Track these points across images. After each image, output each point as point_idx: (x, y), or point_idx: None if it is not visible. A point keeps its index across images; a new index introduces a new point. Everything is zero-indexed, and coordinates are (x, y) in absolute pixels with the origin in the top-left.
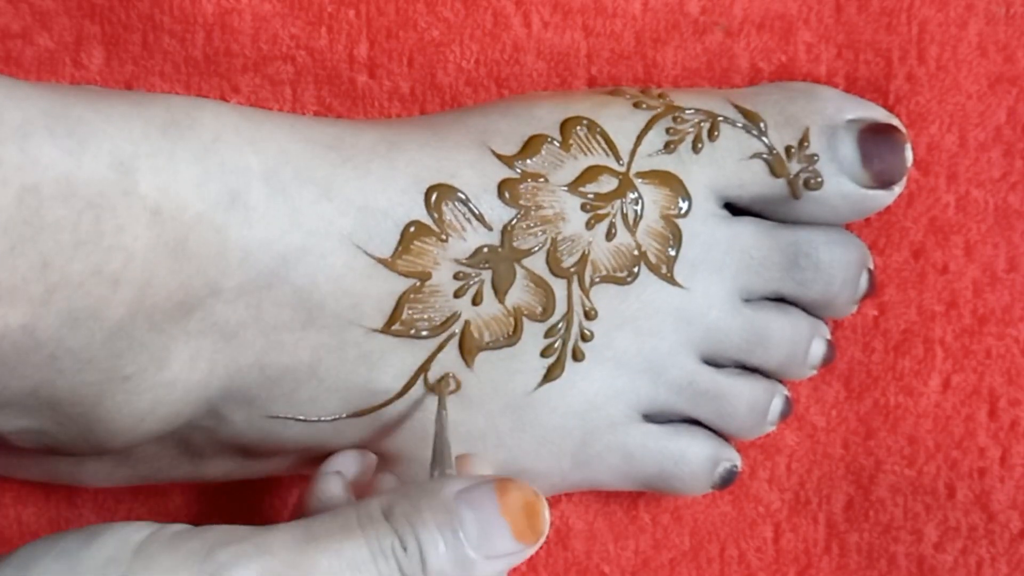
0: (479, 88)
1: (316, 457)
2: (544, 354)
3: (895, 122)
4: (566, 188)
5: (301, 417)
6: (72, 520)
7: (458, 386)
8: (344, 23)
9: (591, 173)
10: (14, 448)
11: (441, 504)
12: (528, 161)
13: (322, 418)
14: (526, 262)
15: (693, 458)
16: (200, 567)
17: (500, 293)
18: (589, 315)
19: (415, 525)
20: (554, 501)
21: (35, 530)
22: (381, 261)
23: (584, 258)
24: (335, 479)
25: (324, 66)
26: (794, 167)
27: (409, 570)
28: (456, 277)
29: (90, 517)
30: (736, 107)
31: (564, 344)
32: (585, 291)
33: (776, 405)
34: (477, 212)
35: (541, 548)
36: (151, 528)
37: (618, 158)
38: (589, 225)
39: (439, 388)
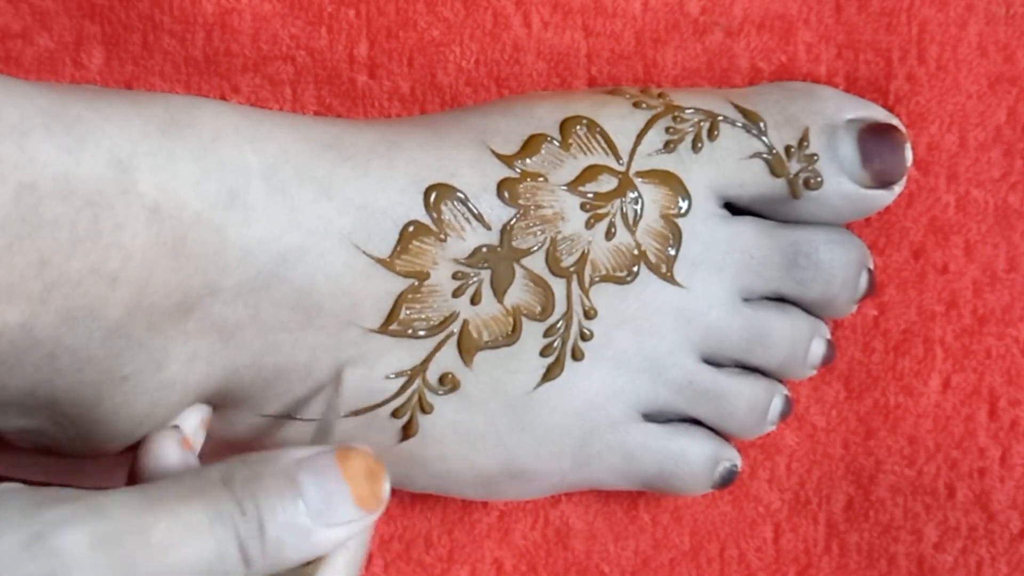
0: (479, 88)
1: None
2: (543, 353)
3: (895, 122)
4: (566, 187)
5: (296, 417)
6: None
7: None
8: (344, 23)
9: (591, 172)
10: (14, 448)
11: (281, 471)
12: (528, 160)
13: (317, 418)
14: (525, 261)
15: (693, 458)
16: (25, 524)
17: (499, 293)
18: (589, 314)
19: (255, 492)
20: (554, 501)
21: None
22: (380, 261)
23: (584, 257)
24: (169, 436)
25: (324, 66)
26: (794, 167)
27: (247, 537)
28: (455, 277)
29: None
30: (736, 107)
31: (563, 343)
32: (585, 290)
33: (776, 405)
34: (476, 212)
35: (541, 548)
36: None
37: (618, 157)
38: (589, 224)
39: (337, 376)
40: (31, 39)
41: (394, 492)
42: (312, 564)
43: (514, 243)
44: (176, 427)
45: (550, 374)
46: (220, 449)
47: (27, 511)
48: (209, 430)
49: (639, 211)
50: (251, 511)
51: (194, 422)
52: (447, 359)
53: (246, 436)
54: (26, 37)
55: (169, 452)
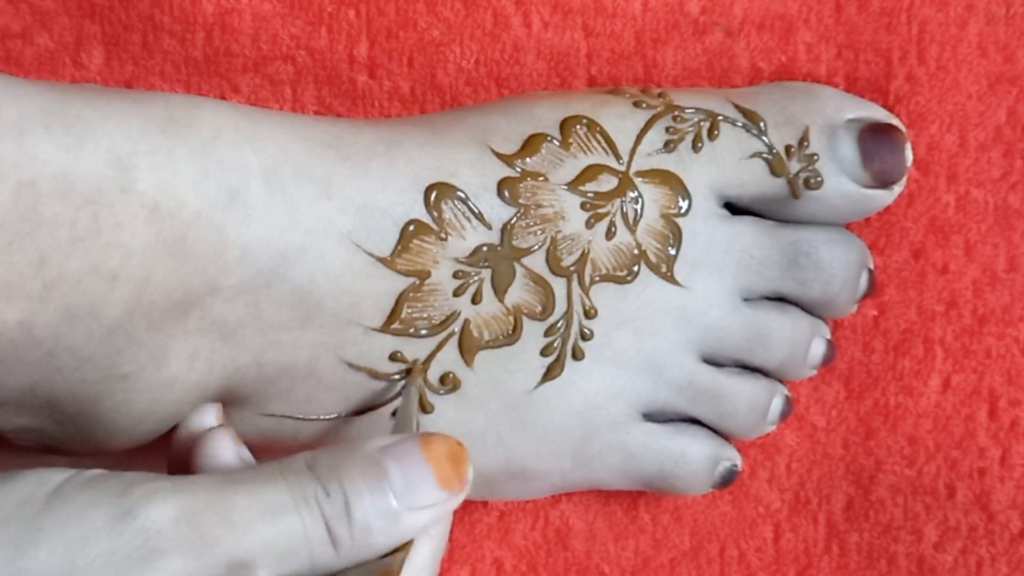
0: (479, 88)
1: None
2: (544, 353)
3: (895, 122)
4: (566, 187)
5: (299, 416)
6: None
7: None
8: (344, 23)
9: (591, 172)
10: (14, 447)
11: (366, 457)
12: (528, 160)
13: (320, 417)
14: (526, 261)
15: (693, 457)
16: (116, 502)
17: (500, 292)
18: (589, 314)
19: (340, 476)
20: (554, 501)
21: None
22: (380, 260)
23: (584, 257)
24: (222, 434)
25: (324, 66)
26: (794, 166)
27: (333, 517)
28: (455, 276)
29: None
30: (736, 106)
31: (564, 343)
32: (585, 290)
33: (776, 405)
34: (477, 211)
35: (541, 548)
36: (69, 472)
37: (618, 157)
38: (589, 224)
39: (412, 372)
40: (31, 39)
41: None
42: (400, 551)
43: (514, 242)
44: (225, 426)
45: (550, 373)
46: None
47: (117, 488)
48: None
49: (639, 211)
50: (336, 493)
51: (215, 417)
52: (448, 358)
53: (249, 437)
54: (26, 37)
55: (224, 448)
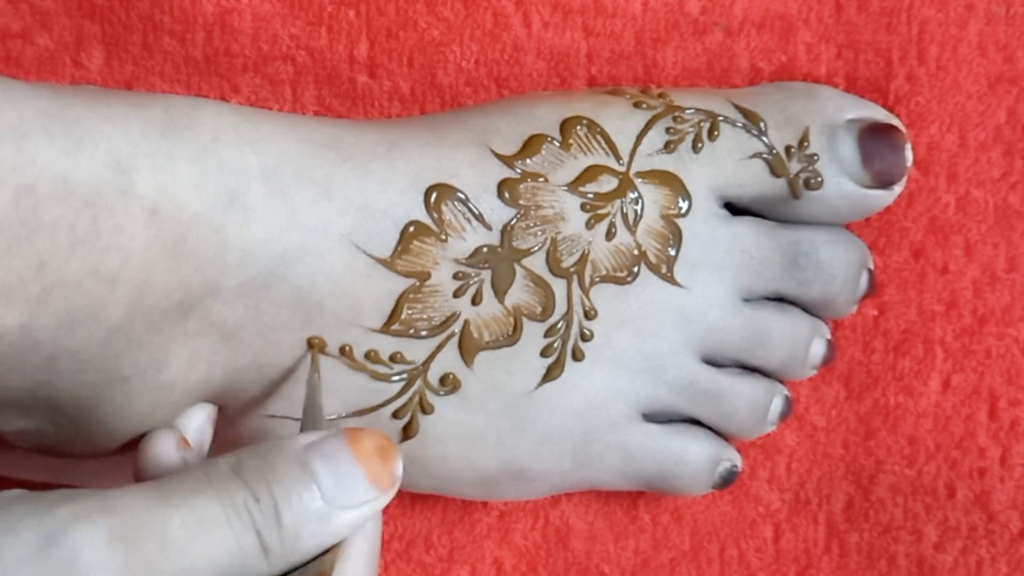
0: (479, 88)
1: None
2: (544, 354)
3: (895, 122)
4: (566, 188)
5: (300, 417)
6: None
7: (321, 347)
8: (344, 23)
9: (591, 173)
10: (14, 448)
11: (292, 457)
12: (528, 161)
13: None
14: (526, 262)
15: (693, 458)
16: (40, 523)
17: (500, 293)
18: (589, 315)
19: (267, 480)
20: (554, 501)
21: None
22: (380, 261)
23: (584, 258)
24: (166, 435)
25: (324, 66)
26: (794, 167)
27: (263, 526)
28: (456, 277)
29: None
30: (736, 107)
31: (564, 344)
32: (585, 291)
33: (776, 405)
34: (477, 212)
35: (541, 548)
36: None
37: (618, 158)
38: (589, 225)
39: (312, 351)
40: (31, 39)
41: None
42: (331, 551)
43: (515, 243)
44: (172, 427)
45: (550, 374)
46: (224, 450)
47: (38, 512)
48: (213, 431)
49: (639, 211)
50: (266, 499)
51: (200, 420)
52: (448, 359)
53: (250, 437)
54: (26, 37)
55: (166, 451)
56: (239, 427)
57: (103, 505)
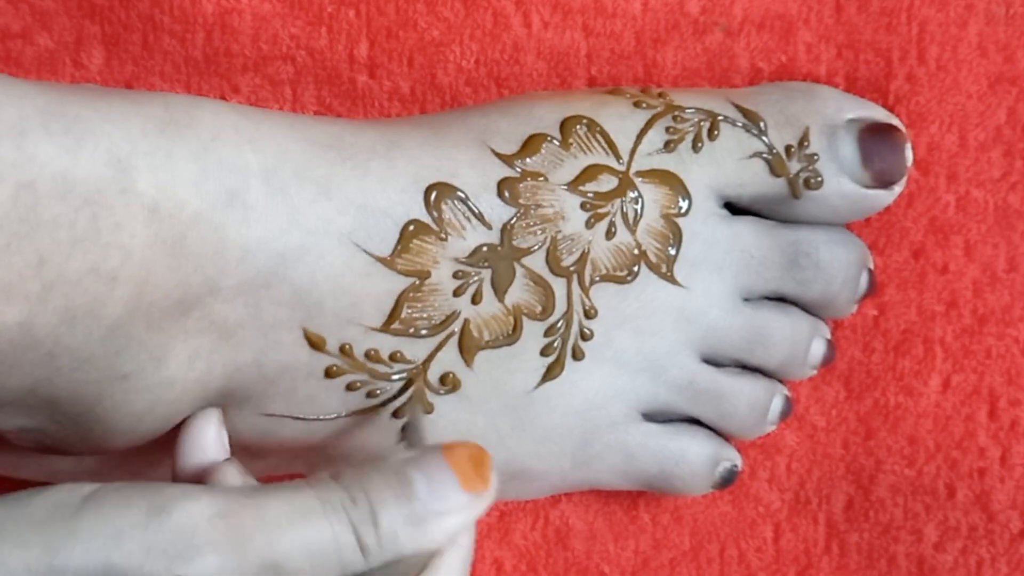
0: (479, 88)
1: (314, 457)
2: (544, 353)
3: (895, 122)
4: (566, 187)
5: (299, 416)
6: None
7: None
8: (344, 23)
9: (591, 172)
10: (14, 447)
11: (389, 468)
12: (528, 160)
13: (320, 417)
14: (526, 261)
15: (694, 457)
16: (151, 500)
17: (499, 292)
18: (589, 314)
19: (365, 486)
20: (554, 501)
21: None
22: (380, 260)
23: (584, 257)
24: (207, 416)
25: (324, 66)
26: (794, 166)
27: (360, 523)
28: (455, 276)
29: None
30: (736, 106)
31: (564, 343)
32: (585, 290)
33: (776, 404)
34: (476, 211)
35: (541, 548)
36: (101, 484)
37: (618, 157)
38: (589, 224)
39: (413, 411)
40: (31, 39)
41: None
42: (426, 562)
43: (514, 242)
44: (211, 408)
45: (550, 374)
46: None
47: (148, 490)
48: None
49: (639, 211)
50: (362, 501)
51: (215, 425)
52: (448, 358)
53: (250, 436)
54: (26, 37)
55: (209, 431)
56: (241, 426)
57: (207, 489)
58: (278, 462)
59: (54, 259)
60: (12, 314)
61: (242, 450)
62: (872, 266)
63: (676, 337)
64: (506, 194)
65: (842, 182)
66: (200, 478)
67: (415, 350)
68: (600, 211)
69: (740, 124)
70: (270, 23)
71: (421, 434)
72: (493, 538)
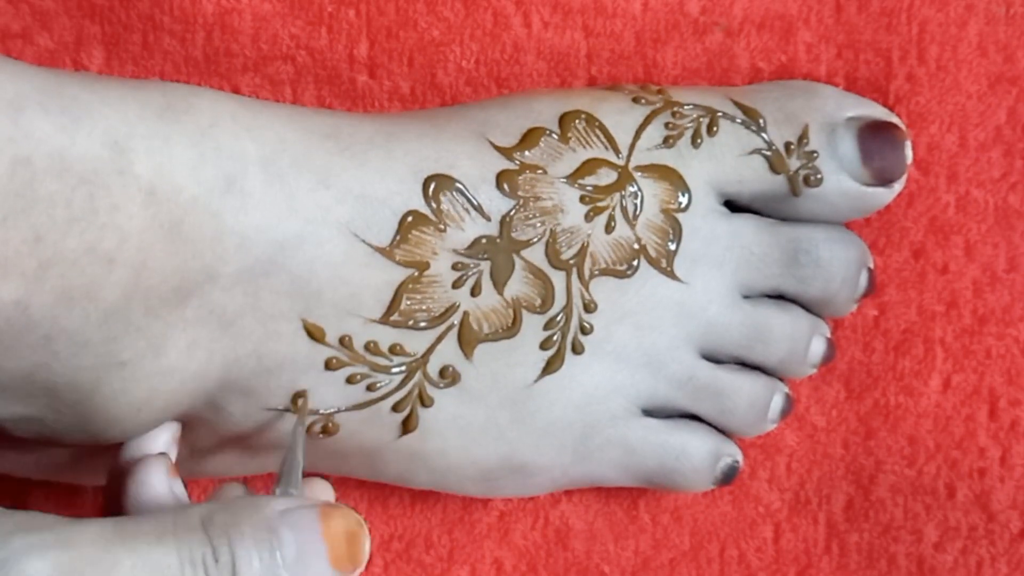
0: (479, 88)
1: (314, 453)
2: (543, 346)
3: (895, 120)
4: (565, 180)
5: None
6: None
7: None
8: (344, 23)
9: (590, 166)
10: (14, 444)
11: (262, 520)
12: (527, 153)
13: (320, 411)
14: (525, 253)
15: (694, 452)
16: None
17: (499, 284)
18: (588, 308)
19: (232, 538)
20: (554, 501)
21: None
22: (379, 250)
23: (583, 250)
24: (157, 463)
25: (324, 66)
26: (794, 164)
27: None
28: (455, 268)
29: (91, 516)
30: (735, 103)
31: (563, 337)
32: (584, 283)
33: (776, 402)
34: (475, 203)
35: (541, 548)
36: None
37: (617, 152)
38: (588, 217)
39: (299, 405)
40: (31, 39)
41: (394, 491)
42: None
43: (513, 234)
44: (165, 454)
45: (550, 367)
46: (222, 443)
47: (2, 534)
48: (213, 423)
49: (639, 205)
50: (225, 558)
51: (165, 440)
52: (447, 351)
53: (248, 429)
54: (26, 37)
55: (157, 480)
56: (239, 418)
57: (61, 539)
58: (279, 459)
59: (50, 236)
60: (8, 291)
61: (243, 446)
62: (872, 265)
63: (676, 332)
64: (505, 186)
65: (842, 180)
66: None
67: (415, 343)
68: (599, 204)
69: (739, 121)
70: (270, 23)
71: (296, 457)
72: (493, 538)
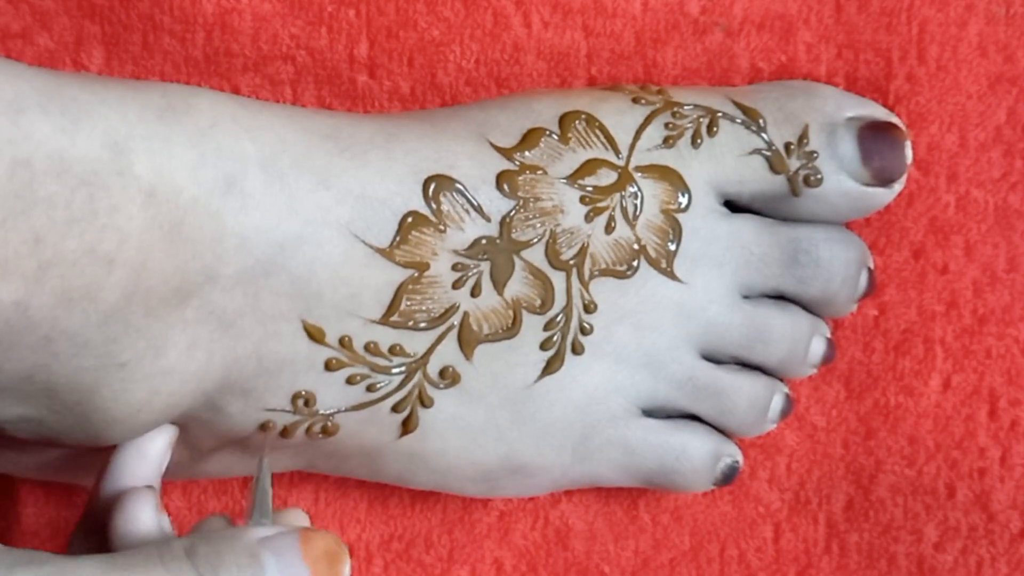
0: (479, 88)
1: (315, 453)
2: (543, 347)
3: (895, 120)
4: (565, 180)
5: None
6: (72, 520)
7: (282, 431)
8: (344, 23)
9: (590, 166)
10: (14, 445)
11: (244, 548)
12: (527, 153)
13: (320, 412)
14: (525, 254)
15: (694, 452)
16: None
17: (499, 285)
18: (588, 308)
19: (216, 567)
20: (554, 501)
21: (34, 530)
22: (379, 251)
23: (583, 251)
24: (144, 498)
25: (324, 66)
26: (794, 164)
27: None
28: (454, 268)
29: None
30: (735, 103)
31: (563, 337)
32: (584, 284)
33: (777, 403)
34: (475, 203)
35: (541, 548)
36: None
37: (617, 152)
38: (588, 218)
39: (264, 433)
40: (31, 39)
41: (394, 491)
42: None
43: (513, 235)
44: (152, 488)
45: (550, 368)
46: (222, 444)
47: None
48: (213, 424)
49: (639, 205)
50: None
51: (161, 444)
52: (447, 352)
53: (248, 429)
54: (26, 37)
55: (144, 515)
56: (239, 418)
57: (62, 572)
58: (279, 459)
59: (50, 238)
60: (8, 292)
61: (243, 447)
62: (872, 265)
63: (676, 333)
64: (505, 187)
65: (842, 180)
66: (112, 505)
67: (415, 343)
68: (599, 205)
69: (739, 121)
70: (270, 23)
71: (264, 487)
72: (493, 538)
